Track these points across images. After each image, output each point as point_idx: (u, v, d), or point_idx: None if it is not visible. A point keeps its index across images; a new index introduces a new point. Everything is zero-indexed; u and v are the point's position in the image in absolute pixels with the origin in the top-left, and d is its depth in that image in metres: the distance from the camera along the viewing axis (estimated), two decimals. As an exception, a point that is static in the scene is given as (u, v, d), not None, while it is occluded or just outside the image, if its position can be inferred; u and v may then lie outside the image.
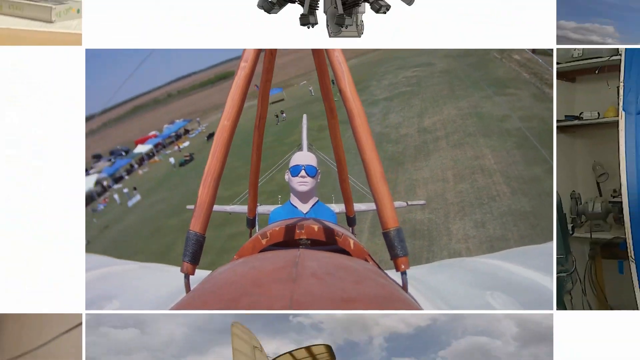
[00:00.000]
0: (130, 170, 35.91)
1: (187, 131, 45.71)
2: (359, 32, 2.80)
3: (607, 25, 3.14)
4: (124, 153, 38.55)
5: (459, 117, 21.50)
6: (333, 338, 4.50)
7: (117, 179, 34.75)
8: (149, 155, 40.80)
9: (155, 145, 42.32)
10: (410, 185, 16.50)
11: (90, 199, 30.23)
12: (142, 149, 41.03)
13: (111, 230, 25.35)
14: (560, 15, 3.01)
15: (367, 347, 4.52)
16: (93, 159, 37.73)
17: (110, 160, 38.14)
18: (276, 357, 3.88)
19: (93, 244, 23.19)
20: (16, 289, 2.79)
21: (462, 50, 25.62)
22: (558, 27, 3.05)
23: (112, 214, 28.01)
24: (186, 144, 42.50)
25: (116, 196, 31.45)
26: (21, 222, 2.94)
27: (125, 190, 31.93)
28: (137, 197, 30.19)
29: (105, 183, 33.01)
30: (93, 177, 32.52)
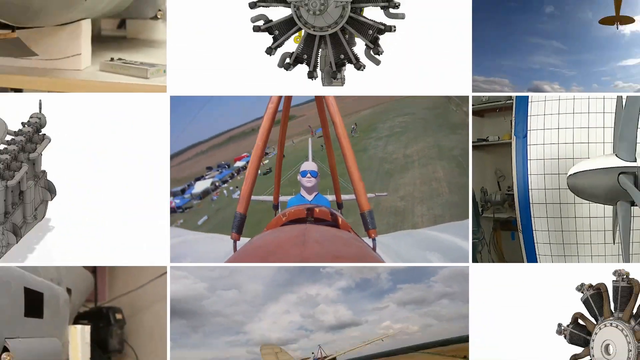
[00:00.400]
0: (232, 176, 36.40)
1: (266, 153, 45.62)
2: (342, 83, 2.77)
3: (504, 78, 3.13)
4: (227, 166, 39.08)
5: (426, 148, 22.07)
6: (352, 278, 4.57)
7: (224, 181, 35.26)
8: (244, 167, 40.90)
9: (247, 162, 42.21)
10: (395, 187, 17.39)
11: (207, 193, 30.94)
12: (239, 163, 41.20)
13: (223, 211, 25.41)
14: (473, 72, 2.99)
15: (377, 281, 4.56)
16: (207, 169, 38.69)
17: (218, 170, 38.66)
18: None
19: (211, 220, 23.35)
20: (122, 250, 2.76)
21: (433, 104, 25.61)
22: (473, 80, 3.02)
23: (223, 202, 28.23)
24: (266, 161, 42.10)
25: (225, 191, 31.72)
26: (130, 209, 2.91)
27: (231, 188, 32.20)
28: (238, 192, 30.20)
29: (217, 184, 33.53)
30: (209, 180, 33.44)
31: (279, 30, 2.67)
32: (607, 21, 2.98)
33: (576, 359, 2.62)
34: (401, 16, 2.66)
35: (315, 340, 5.00)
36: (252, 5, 2.66)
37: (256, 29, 2.67)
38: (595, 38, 3.02)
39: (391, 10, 2.65)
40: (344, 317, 5.14)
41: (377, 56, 2.70)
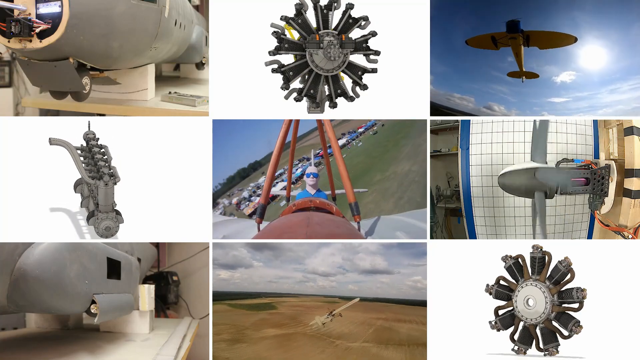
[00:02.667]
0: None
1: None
2: (323, 111, 2.70)
3: (471, 97, 3.06)
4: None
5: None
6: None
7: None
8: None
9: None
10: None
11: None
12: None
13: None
14: (453, 90, 3.00)
15: (421, 245, 4.43)
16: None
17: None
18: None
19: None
20: (177, 230, 2.73)
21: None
22: (451, 96, 3.01)
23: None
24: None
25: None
26: (182, 200, 2.86)
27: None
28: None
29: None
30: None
31: (292, 72, 2.60)
32: (514, 75, 2.91)
33: (498, 310, 2.58)
34: (375, 61, 2.62)
35: (349, 277, 5.08)
36: (273, 53, 2.56)
37: (275, 70, 2.58)
38: (534, 79, 2.94)
39: (371, 57, 2.63)
40: (379, 266, 5.12)
41: (358, 90, 2.64)
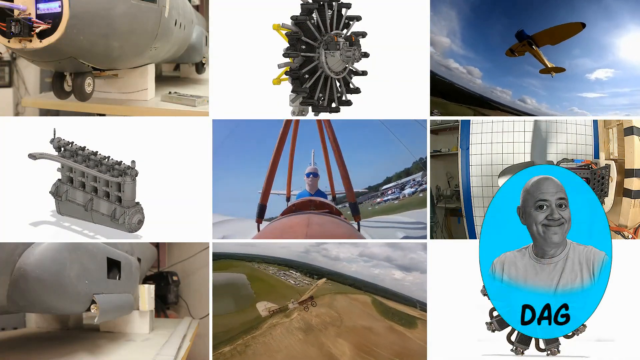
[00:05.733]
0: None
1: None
2: (306, 114, 2.65)
3: (509, 90, 3.14)
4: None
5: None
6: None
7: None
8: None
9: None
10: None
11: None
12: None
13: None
14: (494, 83, 3.12)
15: None
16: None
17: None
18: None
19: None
20: (177, 230, 2.73)
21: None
22: (493, 89, 3.13)
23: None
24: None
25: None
26: (183, 199, 2.83)
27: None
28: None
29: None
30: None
31: (308, 75, 2.52)
32: (544, 71, 3.02)
33: (493, 310, 2.48)
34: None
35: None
36: (293, 55, 2.49)
37: (287, 73, 2.52)
38: (566, 73, 2.96)
39: None
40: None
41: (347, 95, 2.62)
